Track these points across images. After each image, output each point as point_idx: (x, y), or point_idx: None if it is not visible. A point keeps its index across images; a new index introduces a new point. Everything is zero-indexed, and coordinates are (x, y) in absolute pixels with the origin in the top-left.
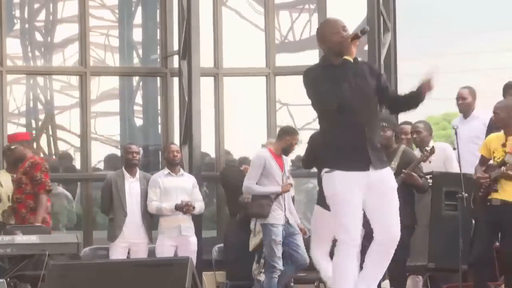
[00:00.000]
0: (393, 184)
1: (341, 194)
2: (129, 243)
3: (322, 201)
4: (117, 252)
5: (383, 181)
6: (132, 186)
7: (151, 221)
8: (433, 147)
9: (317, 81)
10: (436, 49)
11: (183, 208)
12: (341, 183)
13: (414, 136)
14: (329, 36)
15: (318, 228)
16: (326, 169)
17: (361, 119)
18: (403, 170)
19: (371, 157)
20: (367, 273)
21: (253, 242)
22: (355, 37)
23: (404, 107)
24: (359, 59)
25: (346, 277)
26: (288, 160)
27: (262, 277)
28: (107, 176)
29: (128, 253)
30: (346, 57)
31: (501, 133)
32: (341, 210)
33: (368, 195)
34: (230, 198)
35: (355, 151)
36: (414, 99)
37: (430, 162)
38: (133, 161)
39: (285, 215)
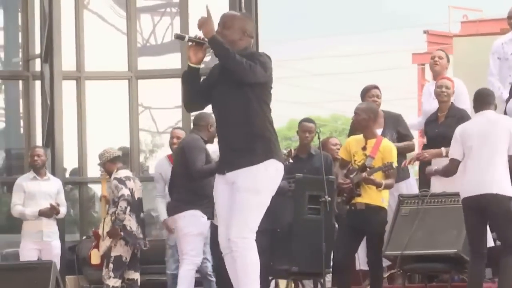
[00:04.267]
0: (245, 185)
1: (215, 199)
2: None
3: None
4: None
5: (235, 183)
6: None
7: None
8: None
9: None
10: None
11: (49, 212)
12: (215, 189)
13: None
14: None
15: None
16: None
17: (221, 121)
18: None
19: (230, 158)
20: (239, 283)
21: (103, 247)
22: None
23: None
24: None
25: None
26: None
27: (111, 282)
28: None
29: None
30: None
31: (361, 136)
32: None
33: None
34: None
35: (221, 153)
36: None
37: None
38: None
39: None
